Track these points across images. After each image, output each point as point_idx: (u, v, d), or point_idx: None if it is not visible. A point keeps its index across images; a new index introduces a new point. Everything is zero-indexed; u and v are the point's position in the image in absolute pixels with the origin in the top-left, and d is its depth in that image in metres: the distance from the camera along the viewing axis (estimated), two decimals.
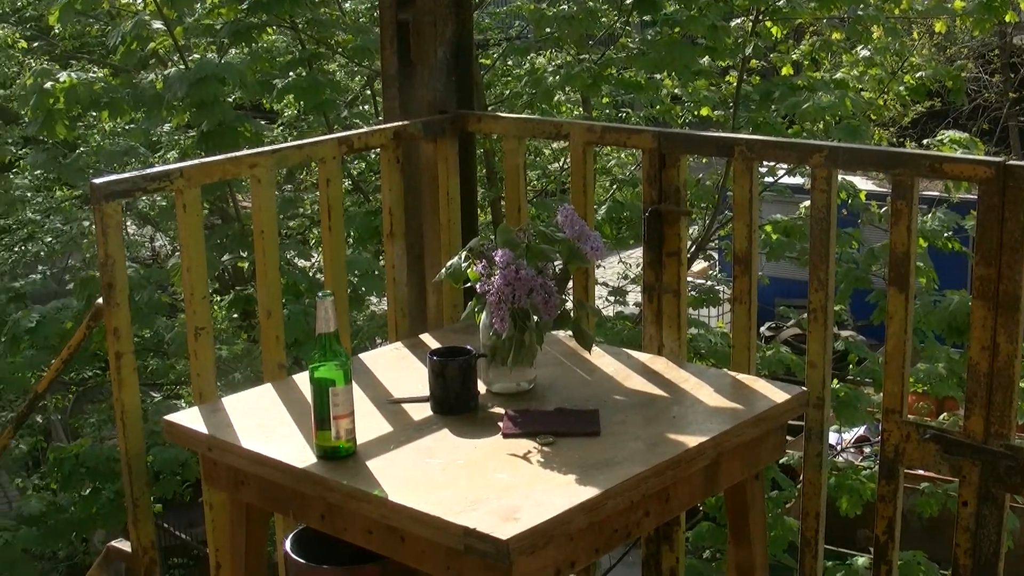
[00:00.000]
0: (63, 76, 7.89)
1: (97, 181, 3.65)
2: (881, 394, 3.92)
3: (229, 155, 4.12)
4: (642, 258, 4.32)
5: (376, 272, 7.95)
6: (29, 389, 9.20)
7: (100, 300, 3.83)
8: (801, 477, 9.01)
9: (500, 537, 2.85)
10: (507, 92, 10.67)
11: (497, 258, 3.50)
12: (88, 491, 8.15)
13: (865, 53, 10.09)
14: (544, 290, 3.52)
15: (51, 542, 8.57)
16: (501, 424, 3.46)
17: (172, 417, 3.67)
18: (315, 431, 3.28)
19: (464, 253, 3.67)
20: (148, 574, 3.95)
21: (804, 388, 3.79)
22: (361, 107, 11.06)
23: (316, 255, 10.48)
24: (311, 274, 8.89)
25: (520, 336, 3.53)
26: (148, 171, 3.78)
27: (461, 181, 4.64)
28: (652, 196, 4.17)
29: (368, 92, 11.10)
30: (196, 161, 3.89)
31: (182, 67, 8.19)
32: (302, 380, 3.82)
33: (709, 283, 9.91)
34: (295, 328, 6.98)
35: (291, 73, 8.84)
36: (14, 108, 11.88)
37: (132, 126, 9.42)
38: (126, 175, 3.75)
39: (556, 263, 3.63)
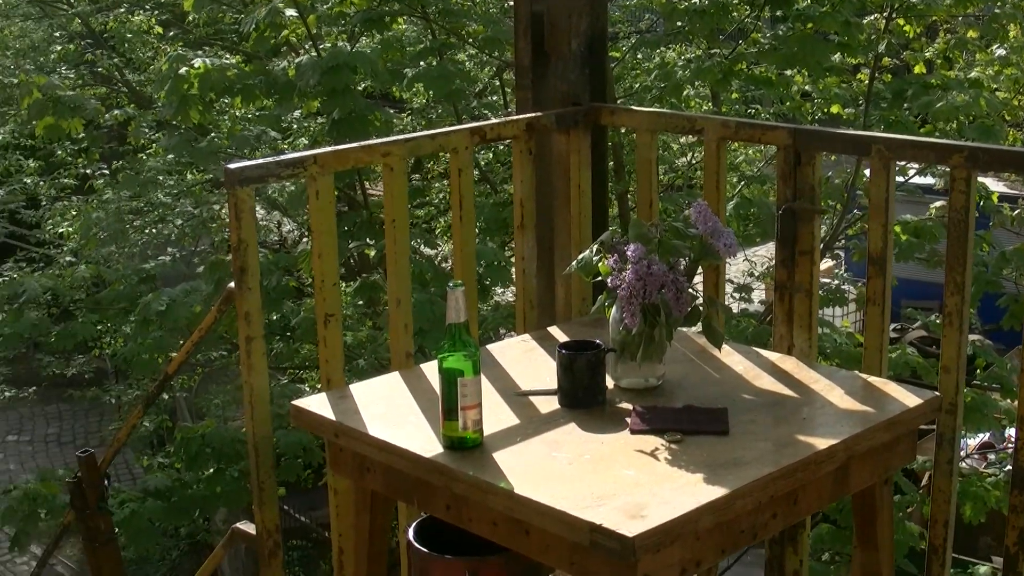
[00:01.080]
0: (197, 62, 7.98)
1: (232, 166, 3.67)
2: (1009, 400, 3.83)
3: (362, 143, 4.14)
4: (773, 256, 4.26)
5: (502, 263, 7.95)
6: (157, 370, 9.35)
7: (232, 284, 3.86)
8: (923, 482, 8.88)
9: (626, 534, 2.83)
10: (636, 86, 10.62)
11: (629, 252, 3.47)
12: (212, 471, 8.24)
13: (1001, 52, 9.89)
14: (675, 286, 3.49)
15: (175, 518, 8.67)
16: (629, 420, 3.43)
17: (300, 402, 3.69)
18: (442, 421, 3.28)
19: (595, 247, 3.65)
20: (271, 557, 3.97)
21: (936, 393, 3.71)
22: (490, 97, 11.09)
23: (441, 244, 10.52)
24: (436, 263, 8.92)
25: (650, 332, 3.51)
26: (282, 157, 3.80)
27: (592, 174, 4.61)
28: (786, 194, 4.11)
29: (497, 83, 11.12)
30: (329, 148, 3.90)
31: (314, 55, 8.25)
32: (429, 369, 3.82)
33: (835, 283, 9.78)
34: (420, 317, 6.99)
35: (421, 62, 8.86)
36: (148, 93, 12.06)
37: (262, 112, 9.51)
38: (260, 161, 3.78)
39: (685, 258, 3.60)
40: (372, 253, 8.69)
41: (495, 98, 11.13)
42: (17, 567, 17.39)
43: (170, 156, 10.24)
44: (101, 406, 20.37)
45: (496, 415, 3.46)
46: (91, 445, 20.10)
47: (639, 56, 10.88)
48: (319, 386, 9.49)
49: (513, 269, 8.47)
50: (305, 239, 10.99)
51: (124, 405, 13.18)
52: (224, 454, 8.10)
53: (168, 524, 9.16)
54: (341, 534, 4.00)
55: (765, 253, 11.38)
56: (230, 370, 10.93)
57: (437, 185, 11.15)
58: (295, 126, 10.16)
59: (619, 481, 3.09)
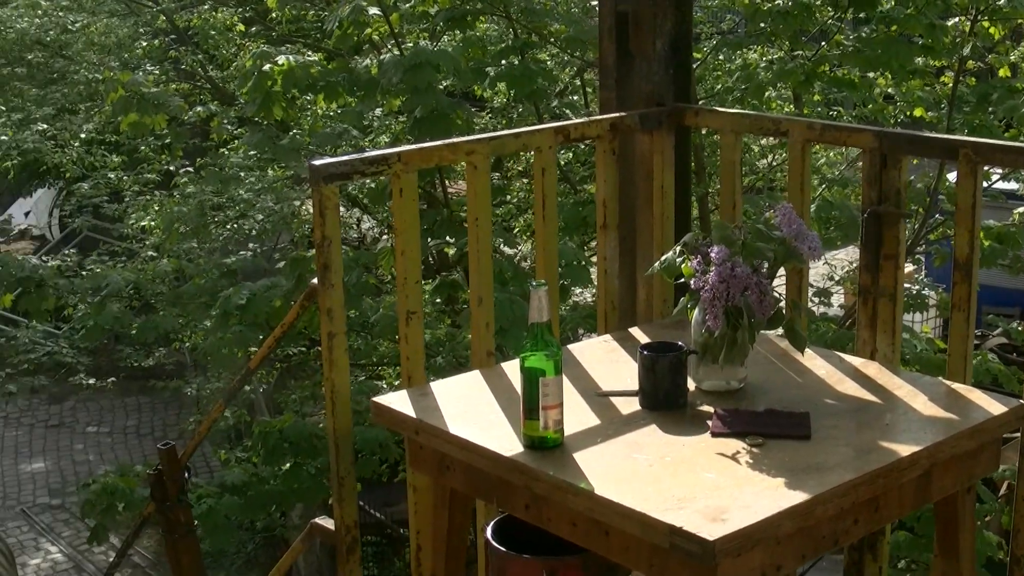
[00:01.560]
0: (281, 59, 8.04)
1: (316, 163, 3.69)
2: None
3: (447, 141, 4.14)
4: (854, 260, 4.23)
5: (581, 263, 7.94)
6: (236, 364, 9.42)
7: (315, 280, 3.88)
8: (1002, 491, 8.76)
9: (707, 538, 2.82)
10: (718, 87, 10.58)
11: (713, 254, 3.45)
12: (289, 466, 8.30)
13: None
14: (759, 288, 3.47)
15: (251, 512, 8.75)
16: (710, 423, 3.41)
17: (381, 399, 3.70)
18: (523, 420, 3.28)
19: (678, 248, 3.63)
20: (349, 552, 3.99)
21: (1022, 401, 3.66)
22: (571, 97, 11.08)
23: (521, 244, 10.53)
24: (516, 262, 8.92)
25: (733, 334, 3.49)
26: (366, 154, 3.81)
27: (675, 175, 4.60)
28: (871, 197, 4.07)
29: (578, 82, 11.12)
30: (414, 146, 3.91)
31: (396, 53, 8.28)
32: (510, 368, 3.83)
33: (916, 288, 9.70)
34: (500, 316, 6.98)
35: (503, 61, 8.87)
36: (231, 89, 12.16)
37: (344, 109, 9.55)
38: (345, 158, 3.79)
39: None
40: (452, 251, 8.71)
41: (576, 98, 11.12)
42: (95, 556, 17.60)
43: (252, 152, 10.32)
44: (180, 399, 20.58)
45: (577, 415, 3.45)
46: (170, 437, 20.25)
47: (720, 57, 10.83)
48: (397, 383, 9.54)
49: (592, 269, 8.50)
50: (385, 236, 11.04)
51: (203, 398, 13.29)
52: (302, 449, 8.15)
53: (244, 519, 9.23)
54: (419, 531, 4.00)
55: (845, 257, 11.31)
56: (308, 366, 11.00)
57: (517, 184, 11.16)
58: (376, 124, 10.20)
59: (700, 484, 3.08)
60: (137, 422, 21.54)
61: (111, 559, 17.32)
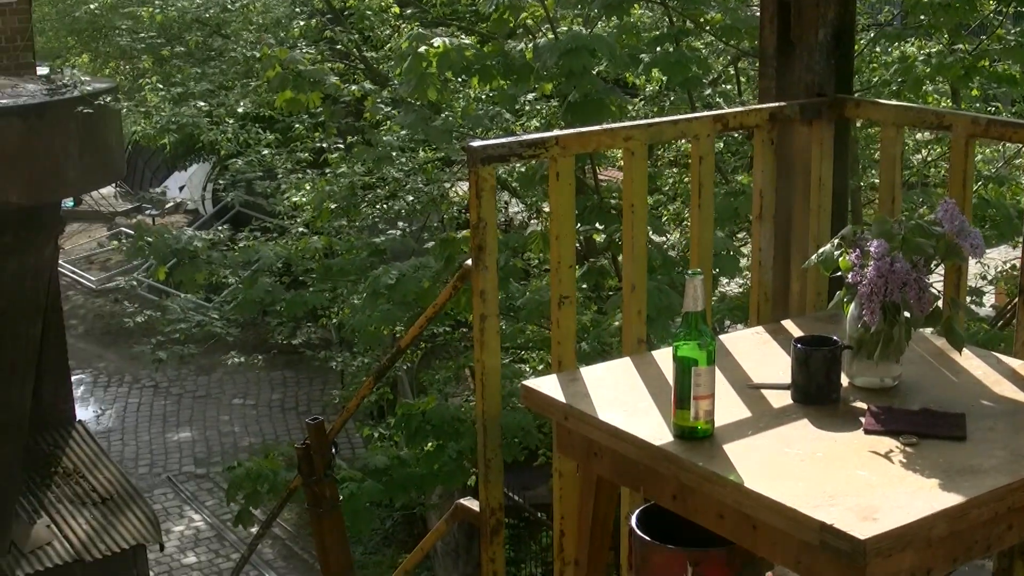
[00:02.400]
0: (437, 41, 8.07)
1: (475, 144, 3.70)
2: None
3: (605, 126, 4.12)
4: (1009, 259, 4.13)
5: (731, 253, 7.88)
6: (383, 342, 9.50)
7: (468, 262, 3.89)
8: None
9: (858, 536, 2.77)
10: (875, 79, 10.42)
11: (872, 249, 3.40)
12: (432, 448, 8.35)
13: None
14: (918, 285, 3.41)
15: (392, 494, 8.82)
16: (863, 419, 3.36)
17: (531, 383, 3.70)
18: (674, 409, 3.26)
19: (836, 241, 3.58)
20: (493, 534, 4.00)
21: None
22: (724, 86, 11.00)
23: (670, 232, 10.47)
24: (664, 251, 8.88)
25: (889, 330, 3.43)
26: (524, 137, 3.82)
27: (834, 167, 4.53)
28: None
29: (732, 71, 11.02)
30: (572, 130, 3.91)
31: (552, 37, 8.28)
32: (660, 356, 3.80)
33: None
34: (648, 304, 6.96)
35: (657, 48, 8.82)
36: (384, 70, 12.25)
37: (495, 92, 9.58)
38: (503, 140, 3.79)
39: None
40: (600, 238, 8.69)
41: (729, 87, 11.03)
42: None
43: (403, 132, 10.39)
44: (325, 374, 20.88)
45: (727, 406, 3.42)
46: (314, 412, 20.57)
47: (877, 49, 10.67)
48: (540, 367, 9.55)
49: (742, 260, 8.42)
50: (534, 220, 11.06)
51: (347, 375, 13.43)
52: (444, 431, 8.19)
53: (384, 499, 9.31)
54: (564, 517, 4.00)
55: (998, 256, 11.09)
56: (452, 347, 11.06)
57: (667, 172, 11.10)
58: (527, 108, 10.22)
59: (851, 481, 3.03)
60: (282, 396, 21.90)
61: (253, 530, 17.62)
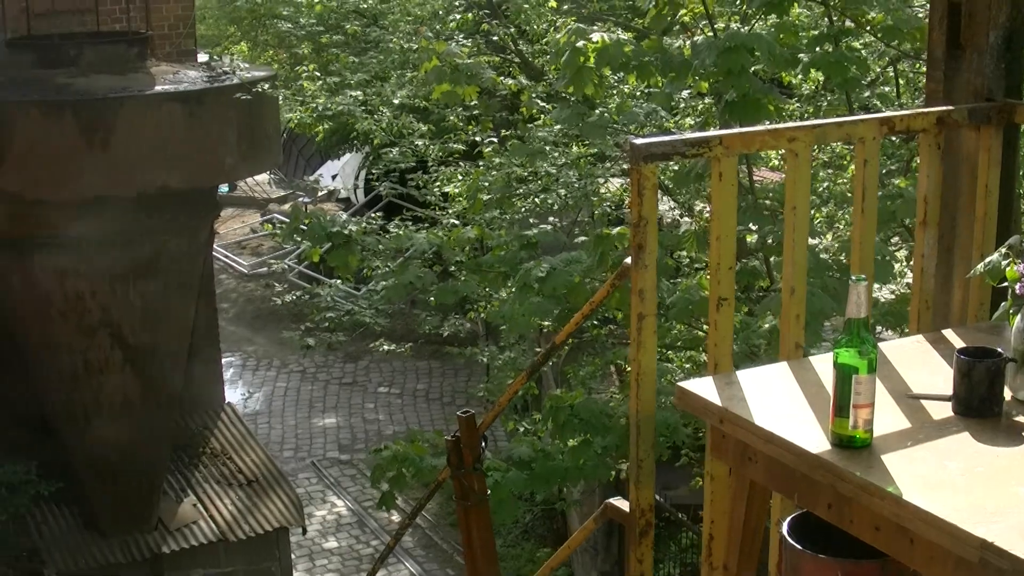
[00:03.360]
0: (596, 36, 8.05)
1: (638, 142, 3.68)
2: None
3: (769, 127, 4.08)
4: None
5: (885, 258, 7.74)
6: (532, 335, 9.50)
7: (628, 260, 3.87)
8: None
9: (1020, 556, 2.70)
10: None
11: None
12: (578, 442, 8.33)
13: None
14: None
15: (535, 487, 8.82)
16: None
17: (686, 384, 3.67)
18: (832, 417, 3.20)
19: (1003, 250, 3.50)
20: (642, 535, 3.98)
21: None
22: (882, 88, 10.82)
23: (821, 236, 10.32)
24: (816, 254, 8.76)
25: None
26: (687, 136, 3.78)
27: (1002, 174, 4.42)
28: None
29: (891, 73, 10.84)
30: (735, 130, 3.88)
31: (710, 35, 8.21)
32: (817, 362, 3.75)
33: None
34: None
35: (816, 48, 8.70)
36: (539, 64, 12.27)
37: (651, 90, 9.53)
38: (666, 138, 3.77)
39: None
40: (752, 238, 8.60)
41: (887, 89, 10.85)
42: (377, 513, 18.06)
43: (557, 127, 10.38)
44: (470, 366, 20.98)
45: (886, 416, 3.36)
46: (458, 404, 20.72)
47: None
48: (687, 366, 9.47)
49: (897, 266, 8.27)
50: (686, 219, 11.00)
51: (493, 367, 13.47)
52: (591, 425, 8.17)
53: (527, 491, 9.32)
54: (714, 521, 3.96)
55: None
56: (599, 343, 11.04)
57: (822, 174, 10.96)
58: (681, 105, 10.15)
59: (1015, 498, 2.96)
60: (427, 386, 22.05)
61: (393, 517, 17.77)
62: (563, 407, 8.15)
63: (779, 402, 3.51)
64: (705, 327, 8.94)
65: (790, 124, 4.06)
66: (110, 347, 12.80)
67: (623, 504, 4.19)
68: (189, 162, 12.04)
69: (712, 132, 3.82)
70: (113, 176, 11.73)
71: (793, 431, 3.30)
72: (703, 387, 3.63)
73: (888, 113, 4.42)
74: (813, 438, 3.25)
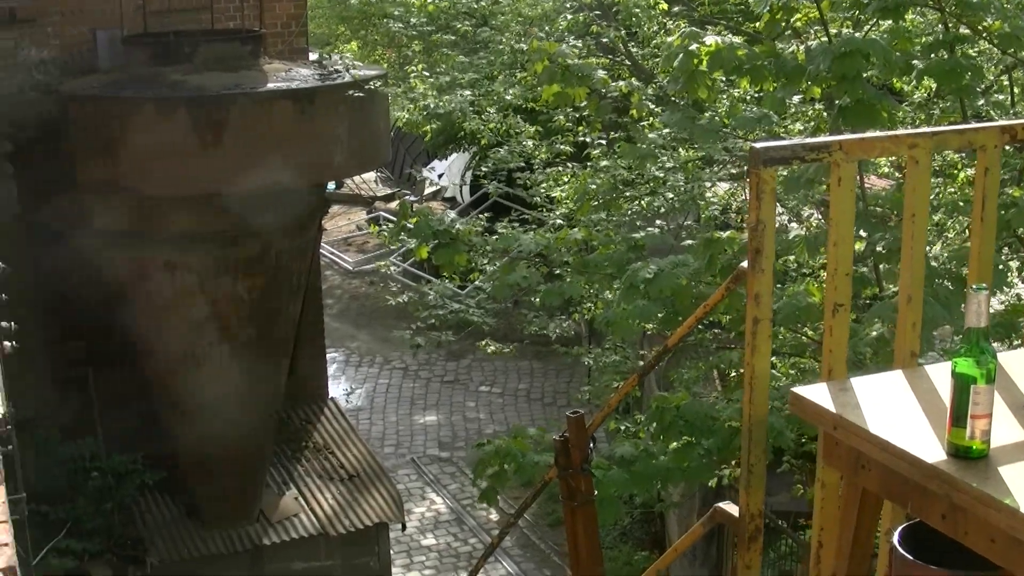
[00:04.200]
0: (709, 40, 8.02)
1: (758, 146, 3.67)
2: None
3: (889, 133, 4.06)
4: None
5: (999, 266, 7.64)
6: (636, 337, 9.49)
7: (743, 264, 3.86)
8: None
9: None
10: None
11: None
12: (682, 444, 8.31)
13: None
14: None
15: (637, 486, 8.80)
16: None
17: (800, 390, 3.65)
18: (949, 427, 3.17)
19: None
20: (751, 540, 3.96)
21: None
22: (996, 96, 10.68)
23: (932, 243, 10.22)
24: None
25: None
26: (807, 140, 3.77)
27: None
28: None
29: (1005, 81, 10.70)
30: (855, 135, 3.84)
31: (823, 40, 8.15)
32: (933, 371, 3.71)
33: None
34: None
35: (931, 55, 8.61)
36: (649, 66, 12.26)
37: (762, 94, 9.47)
38: (786, 142, 3.75)
39: None
40: (860, 245, 8.53)
41: (1002, 96, 10.71)
42: (476, 512, 18.14)
43: (666, 131, 10.36)
44: (571, 367, 21.01)
45: (1004, 427, 3.32)
46: (559, 405, 20.76)
47: None
48: (792, 372, 9.40)
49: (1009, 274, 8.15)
50: (793, 224, 10.92)
51: (595, 369, 13.47)
52: (696, 428, 8.15)
53: (628, 492, 9.30)
54: (823, 528, 3.94)
55: None
56: (702, 347, 10.99)
57: (932, 182, 10.84)
58: (792, 110, 10.08)
59: None
60: (528, 386, 22.09)
61: (491, 516, 17.83)
62: (669, 408, 8.13)
63: (894, 410, 3.49)
64: (809, 333, 8.91)
65: (911, 130, 4.04)
66: (217, 341, 12.97)
67: (732, 508, 4.18)
68: (300, 159, 12.16)
69: (832, 137, 3.79)
70: (224, 172, 11.88)
71: (908, 440, 3.28)
72: (817, 393, 3.61)
73: (1010, 121, 4.35)
74: (929, 447, 3.23)
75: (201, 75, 12.26)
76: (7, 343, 7.66)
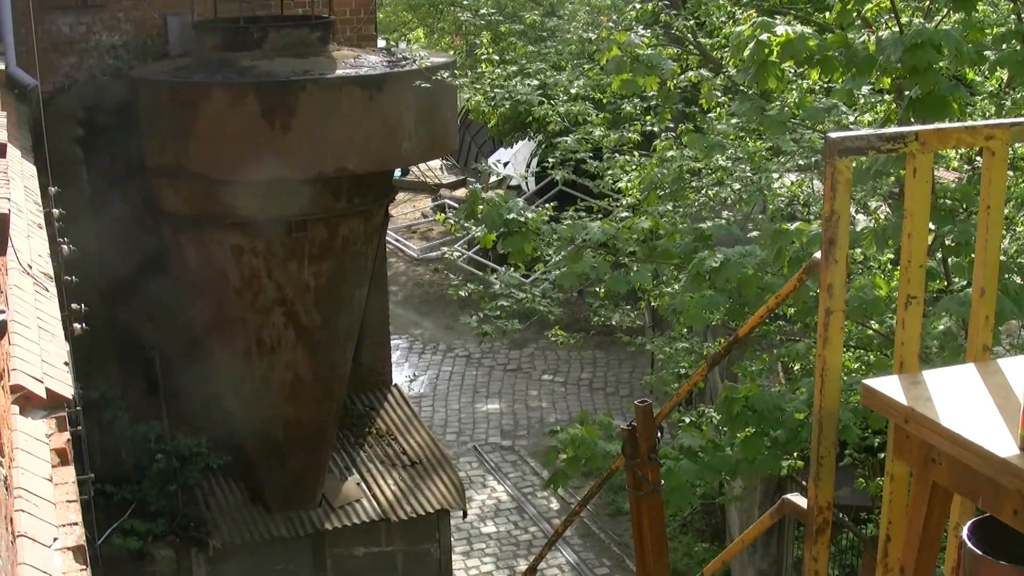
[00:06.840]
0: (780, 30, 7.97)
1: (833, 136, 3.65)
2: None
3: (966, 124, 4.01)
4: None
5: None
6: (701, 326, 9.45)
7: (817, 255, 3.84)
8: None
9: None
10: None
11: None
12: (750, 435, 8.28)
13: None
14: None
15: (703, 476, 8.78)
16: None
17: (872, 382, 3.63)
18: (1022, 421, 3.15)
19: None
20: (819, 533, 3.95)
21: None
22: None
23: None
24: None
25: None
26: (883, 131, 3.74)
27: None
28: None
29: None
30: (931, 126, 3.81)
31: (895, 30, 8.09)
32: (1006, 365, 3.68)
33: None
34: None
35: (1004, 45, 8.53)
36: (718, 57, 12.19)
37: (831, 85, 9.41)
38: (862, 132, 3.73)
39: None
40: (929, 239, 8.45)
41: None
42: (536, 500, 18.14)
43: (734, 121, 10.31)
44: (634, 357, 20.97)
45: None
46: (621, 394, 20.74)
47: None
48: (856, 366, 9.33)
49: None
50: (860, 216, 10.84)
51: (658, 360, 13.43)
52: (764, 418, 8.11)
53: (697, 481, 9.29)
54: (891, 522, 3.92)
55: None
56: (767, 338, 10.93)
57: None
58: (861, 101, 10.01)
59: None
60: (591, 375, 22.09)
61: (552, 505, 17.85)
62: (738, 398, 8.11)
63: (966, 404, 3.46)
64: (875, 326, 8.84)
65: (988, 121, 3.98)
66: (283, 326, 13.04)
67: (800, 500, 4.16)
68: (367, 146, 12.19)
69: (908, 128, 3.76)
70: (293, 158, 11.93)
71: (980, 434, 3.25)
72: (889, 386, 3.59)
73: None
74: (1001, 442, 3.20)
75: (271, 61, 12.31)
76: (77, 325, 7.74)
